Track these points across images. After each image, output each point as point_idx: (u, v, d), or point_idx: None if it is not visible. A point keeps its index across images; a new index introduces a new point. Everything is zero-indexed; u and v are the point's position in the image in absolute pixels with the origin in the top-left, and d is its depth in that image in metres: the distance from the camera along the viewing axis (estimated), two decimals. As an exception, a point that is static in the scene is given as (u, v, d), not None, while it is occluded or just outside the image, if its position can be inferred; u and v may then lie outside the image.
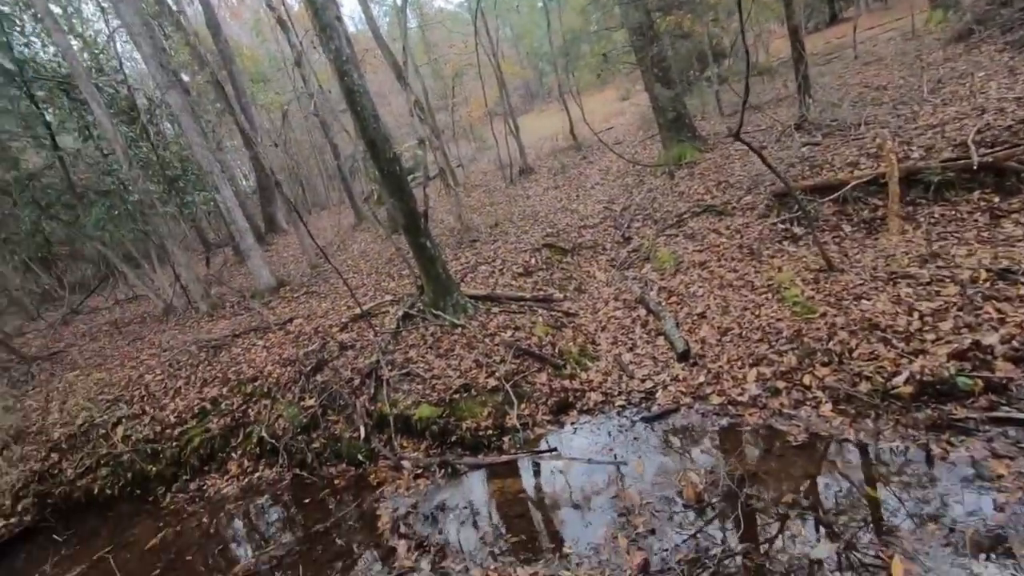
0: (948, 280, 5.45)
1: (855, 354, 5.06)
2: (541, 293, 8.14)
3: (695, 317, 6.73)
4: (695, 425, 5.15)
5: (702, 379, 5.65)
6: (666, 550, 3.82)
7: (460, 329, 7.15)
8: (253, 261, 11.75)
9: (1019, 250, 5.70)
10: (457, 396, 6.15)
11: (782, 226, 7.98)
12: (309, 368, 7.21)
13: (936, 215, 6.99)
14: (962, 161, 7.16)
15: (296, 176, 29.65)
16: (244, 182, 29.45)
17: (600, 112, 24.69)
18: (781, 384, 5.12)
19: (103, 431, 7.57)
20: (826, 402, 4.79)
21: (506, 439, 5.73)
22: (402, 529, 4.89)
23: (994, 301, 5.02)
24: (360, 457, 6.13)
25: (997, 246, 5.90)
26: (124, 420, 7.67)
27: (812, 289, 6.10)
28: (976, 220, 6.63)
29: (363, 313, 7.94)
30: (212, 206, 13.64)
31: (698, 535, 3.85)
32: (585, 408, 5.93)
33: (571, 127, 20.23)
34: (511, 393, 6.06)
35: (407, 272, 10.34)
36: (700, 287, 7.32)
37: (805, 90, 10.92)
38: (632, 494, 4.41)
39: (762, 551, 3.59)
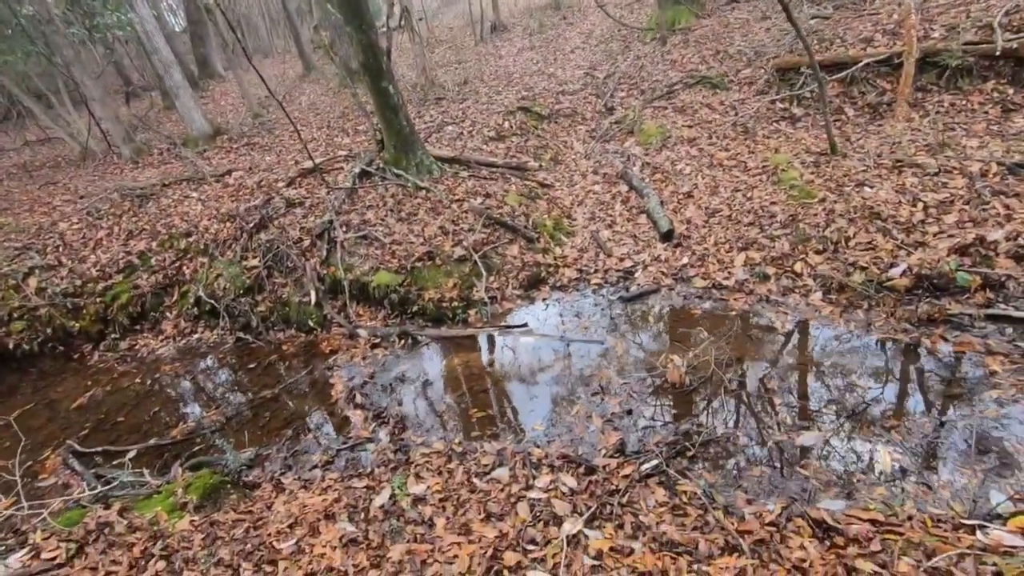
0: (956, 172, 5.09)
1: (852, 243, 4.76)
2: (514, 160, 7.38)
3: (681, 196, 6.24)
4: (677, 307, 4.86)
5: (685, 261, 5.29)
6: (643, 430, 3.62)
7: (424, 192, 6.42)
8: (183, 102, 10.21)
9: (1031, 145, 5.34)
10: (420, 264, 5.60)
11: (781, 105, 7.34)
12: (252, 225, 6.42)
13: (946, 104, 6.50)
14: (984, 45, 6.55)
15: (234, 16, 25.94)
16: (171, 18, 25.58)
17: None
18: (771, 270, 4.82)
19: (13, 281, 6.69)
20: (816, 291, 4.53)
21: (472, 312, 5.32)
22: (358, 399, 4.55)
23: (1003, 196, 4.72)
24: (311, 323, 5.64)
25: (1008, 140, 5.53)
26: (37, 271, 6.78)
27: (812, 173, 5.65)
28: (987, 112, 6.19)
29: (315, 167, 7.02)
30: (131, 32, 11.53)
31: (679, 419, 3.65)
32: (558, 284, 5.54)
33: (551, -18, 18.00)
34: (480, 264, 5.56)
35: (364, 128, 9.26)
36: (688, 165, 6.76)
37: (822, -48, 9.69)
38: (609, 374, 4.15)
39: (744, 437, 3.42)
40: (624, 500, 3.09)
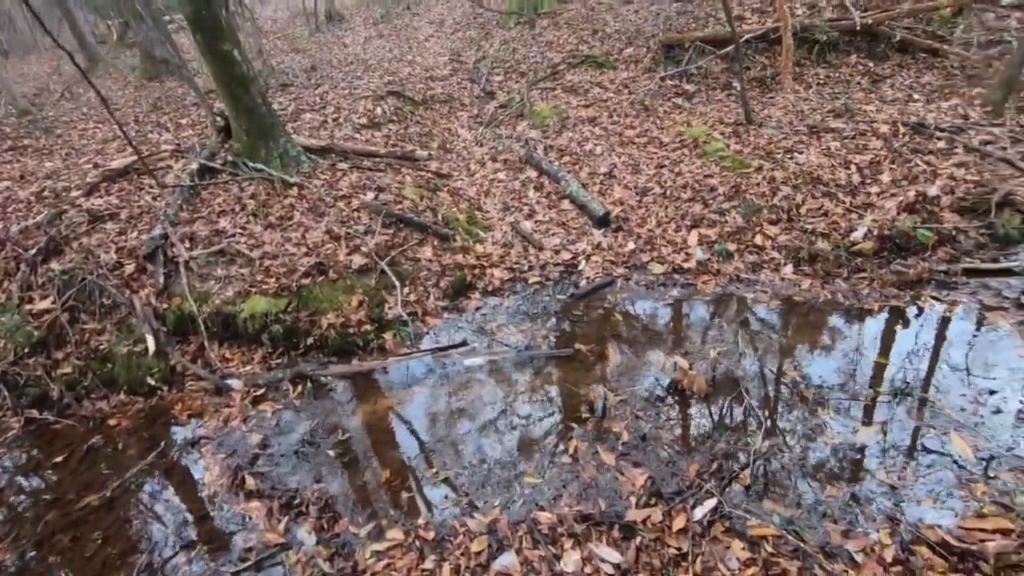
0: (870, 134, 5.11)
1: (803, 210, 4.47)
2: (399, 149, 6.19)
3: (602, 177, 5.61)
4: (641, 298, 4.15)
5: (632, 246, 4.63)
6: (672, 460, 2.80)
7: (296, 189, 4.98)
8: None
9: (913, 107, 5.61)
10: (308, 281, 4.21)
11: (671, 82, 7.12)
12: (35, 252, 4.41)
13: (822, 76, 6.74)
14: (844, 21, 6.92)
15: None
16: None
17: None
18: (732, 246, 4.34)
19: None
20: (786, 263, 4.13)
21: (389, 336, 4.09)
22: (250, 484, 3.10)
23: (920, 154, 4.78)
24: (152, 381, 3.94)
25: (890, 103, 5.77)
26: None
27: (736, 143, 5.37)
28: (859, 83, 6.50)
29: (138, 162, 5.14)
30: None
31: (709, 437, 2.90)
32: (490, 288, 4.54)
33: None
34: (390, 273, 4.34)
35: (193, 119, 7.32)
36: (597, 145, 6.17)
37: (671, -59, 9.92)
38: (600, 391, 3.26)
39: (794, 444, 2.77)
40: (698, 568, 2.23)
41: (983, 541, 2.15)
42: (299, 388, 3.76)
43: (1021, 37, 5.39)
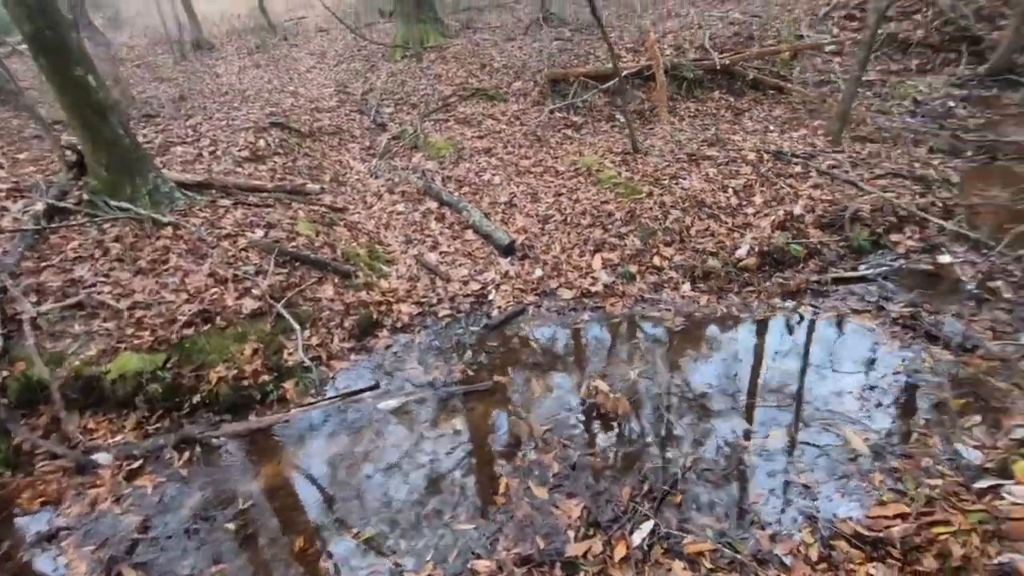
0: (740, 161, 5.64)
1: (693, 231, 4.79)
2: (288, 183, 5.82)
3: (503, 206, 5.65)
4: (554, 324, 4.17)
5: (540, 273, 4.67)
6: (604, 487, 2.78)
7: (171, 228, 4.46)
8: None
9: (771, 137, 6.30)
10: (191, 331, 3.74)
11: (559, 114, 7.43)
12: None
13: (692, 109, 7.38)
14: (706, 61, 7.67)
15: None
16: None
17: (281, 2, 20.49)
18: (634, 268, 4.52)
19: None
20: (684, 282, 4.38)
21: (290, 385, 3.73)
22: (129, 577, 2.62)
23: (783, 178, 5.35)
24: (-11, 466, 3.25)
25: (751, 134, 6.44)
26: None
27: (627, 171, 5.67)
28: (724, 115, 7.21)
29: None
30: None
31: (637, 458, 2.92)
32: (399, 325, 4.33)
33: (260, 5, 16.19)
34: (287, 316, 3.99)
35: (30, 155, 6.38)
36: (495, 174, 6.23)
37: (548, -16, 10.53)
38: (523, 424, 3.19)
39: (715, 455, 2.87)
40: (645, 597, 2.20)
41: (888, 528, 2.33)
42: (186, 455, 3.29)
43: (846, 78, 6.29)
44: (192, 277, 4.07)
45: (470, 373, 3.76)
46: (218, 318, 3.85)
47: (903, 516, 2.37)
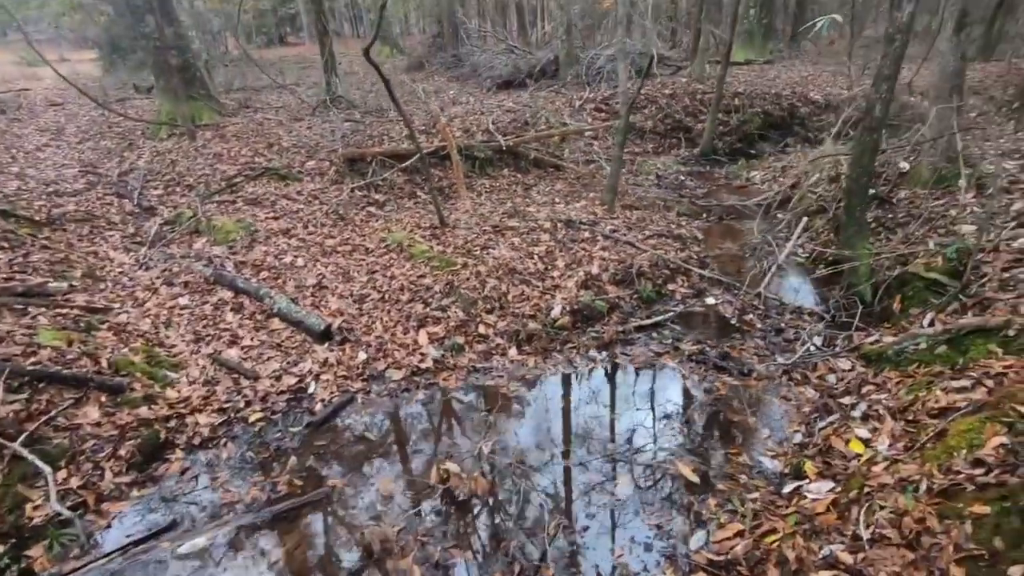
0: (539, 230, 6.15)
1: (510, 297, 4.99)
2: (18, 283, 4.60)
3: (312, 289, 5.24)
4: (388, 409, 3.88)
5: (364, 356, 4.36)
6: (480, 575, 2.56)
7: None
8: None
9: (559, 208, 7.05)
10: None
11: (360, 192, 7.33)
12: None
13: (487, 185, 7.95)
14: (493, 142, 8.39)
15: None
16: None
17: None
18: (461, 339, 4.50)
19: None
20: (511, 347, 4.49)
21: (39, 550, 2.78)
22: None
23: (576, 243, 5.96)
24: None
25: (542, 205, 7.14)
26: None
27: (439, 244, 5.75)
28: (516, 190, 7.90)
29: None
30: None
31: (503, 535, 2.77)
32: (197, 441, 3.59)
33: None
34: (29, 457, 3.01)
35: None
36: (297, 256, 5.79)
37: (332, 68, 10.59)
38: (381, 530, 2.81)
39: (576, 514, 2.88)
40: None
41: (732, 548, 2.56)
42: None
43: (609, 158, 7.44)
44: None
45: (298, 483, 3.24)
46: (-90, 479, 2.73)
47: (740, 534, 2.63)
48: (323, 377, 4.17)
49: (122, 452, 3.35)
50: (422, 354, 4.37)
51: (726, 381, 3.93)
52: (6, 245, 5.31)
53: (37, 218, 6.08)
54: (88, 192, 7.34)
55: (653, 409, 3.74)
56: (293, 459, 3.42)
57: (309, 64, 20.22)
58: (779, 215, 7.17)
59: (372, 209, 6.99)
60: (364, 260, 5.67)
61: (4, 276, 4.79)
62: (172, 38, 8.98)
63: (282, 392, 4.04)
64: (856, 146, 4.47)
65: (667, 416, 3.65)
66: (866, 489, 2.48)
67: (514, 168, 8.50)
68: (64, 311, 4.44)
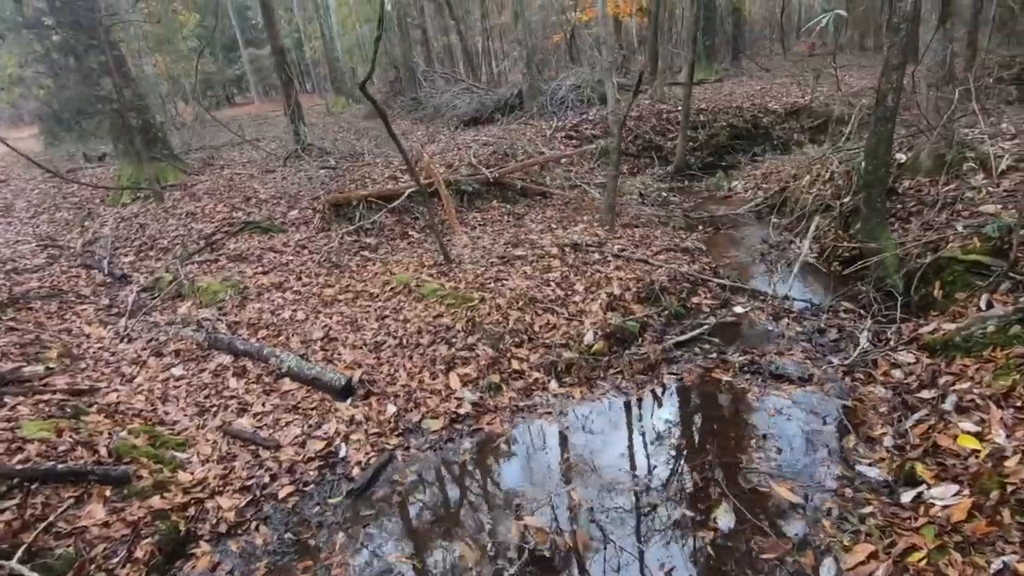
0: (547, 256, 5.93)
1: (537, 328, 4.71)
2: (-12, 372, 4.06)
3: (321, 342, 4.84)
4: (434, 464, 3.49)
5: (393, 408, 3.98)
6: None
7: None
8: None
9: (559, 233, 6.87)
10: None
11: (350, 238, 6.99)
12: None
13: (479, 218, 7.74)
14: (479, 175, 8.23)
15: None
16: None
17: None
18: (496, 378, 4.17)
19: None
20: (550, 379, 4.18)
21: None
22: None
23: (589, 265, 5.76)
24: None
25: (541, 233, 6.95)
26: None
27: (449, 281, 5.44)
28: (508, 220, 7.70)
29: None
30: None
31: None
32: (222, 528, 3.12)
33: None
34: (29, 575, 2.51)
35: None
36: (296, 310, 5.39)
37: (299, 118, 10.31)
38: (464, 606, 2.42)
39: (676, 558, 2.55)
40: None
41: (872, 573, 2.28)
42: None
43: (605, 178, 7.35)
44: None
45: (352, 565, 2.82)
46: None
47: (874, 556, 2.36)
48: (353, 437, 3.75)
49: (139, 554, 2.86)
50: (457, 399, 4.01)
51: (787, 390, 3.72)
52: (-33, 331, 4.74)
53: (-2, 299, 5.50)
54: (50, 266, 6.77)
55: (721, 428, 3.48)
56: (341, 536, 2.99)
57: (264, 120, 20.00)
58: (773, 219, 7.18)
59: (366, 253, 6.65)
60: (370, 306, 5.30)
61: (-30, 365, 4.23)
62: (132, 98, 8.55)
63: (310, 459, 3.60)
64: (871, 137, 4.46)
65: (740, 434, 3.39)
66: (1009, 487, 2.26)
67: (502, 199, 8.33)
68: (45, 397, 3.91)
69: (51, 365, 4.49)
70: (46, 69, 12.01)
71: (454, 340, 4.57)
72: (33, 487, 2.95)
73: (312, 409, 4.07)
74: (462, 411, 3.90)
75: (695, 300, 5.24)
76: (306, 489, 3.39)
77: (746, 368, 4.01)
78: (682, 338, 4.54)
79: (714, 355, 4.27)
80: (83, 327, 5.44)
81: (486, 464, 3.49)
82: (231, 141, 13.39)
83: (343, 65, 24.88)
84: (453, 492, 3.33)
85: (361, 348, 4.69)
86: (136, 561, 2.83)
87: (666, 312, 4.97)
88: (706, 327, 4.68)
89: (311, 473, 3.50)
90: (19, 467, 3.00)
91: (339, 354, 4.65)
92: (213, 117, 11.88)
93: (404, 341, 4.68)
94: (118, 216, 8.25)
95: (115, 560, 2.80)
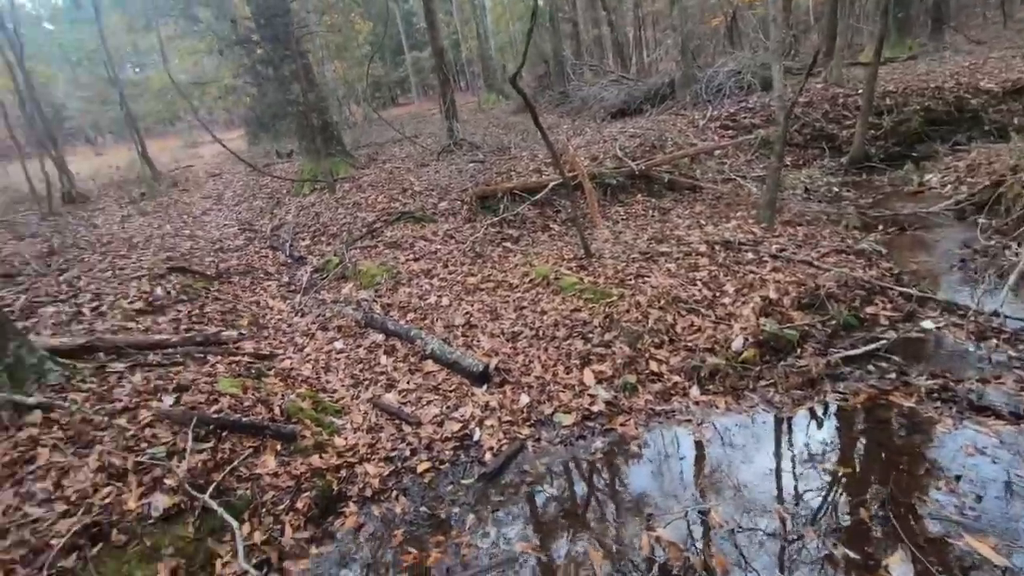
0: (694, 253, 5.57)
1: (679, 329, 4.44)
2: (198, 333, 4.84)
3: (461, 328, 5.05)
4: (564, 459, 3.46)
5: (527, 399, 4.01)
6: None
7: (39, 413, 3.31)
8: None
9: (708, 230, 6.40)
10: (74, 560, 2.58)
11: (493, 229, 7.20)
12: None
13: (622, 213, 7.51)
14: (624, 168, 7.98)
15: None
16: None
17: (166, 157, 19.91)
18: (632, 378, 4.01)
19: None
20: (691, 385, 3.91)
21: (228, 613, 2.63)
22: None
23: (741, 265, 5.30)
24: None
25: (688, 230, 6.53)
26: None
27: (588, 275, 5.36)
28: (652, 215, 7.37)
29: None
30: None
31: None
32: (368, 493, 3.38)
33: (142, 155, 15.51)
34: (218, 509, 2.94)
35: None
36: (441, 296, 5.68)
37: (453, 115, 10.89)
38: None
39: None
40: None
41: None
42: None
43: (765, 171, 6.71)
44: (74, 475, 2.94)
45: (479, 545, 2.89)
46: (115, 531, 2.72)
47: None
48: (487, 423, 3.85)
49: (300, 505, 3.21)
50: (591, 396, 3.92)
51: (992, 425, 3.07)
52: (185, 298, 5.71)
53: (208, 273, 6.56)
54: (247, 247, 7.91)
55: (896, 461, 2.97)
56: (472, 517, 3.08)
57: (422, 119, 21.47)
58: (981, 220, 5.98)
59: (508, 244, 6.81)
60: (509, 296, 5.41)
61: (186, 327, 5.09)
62: (315, 101, 9.69)
63: (447, 439, 3.77)
64: None
65: (922, 471, 2.87)
66: None
67: (647, 193, 8.01)
68: (237, 359, 4.57)
69: (243, 331, 5.24)
70: (252, 79, 14.12)
71: (590, 335, 4.48)
72: (223, 434, 3.45)
73: (451, 391, 4.26)
74: (595, 408, 3.81)
75: (870, 310, 4.55)
76: (441, 467, 3.55)
77: (936, 394, 3.38)
78: (852, 353, 3.97)
79: (892, 375, 3.67)
80: (268, 300, 6.28)
81: (616, 466, 3.36)
82: (392, 138, 14.59)
83: (495, 63, 25.76)
84: (581, 490, 3.26)
85: (499, 337, 4.80)
86: (297, 511, 3.18)
87: (833, 322, 4.37)
88: (883, 342, 4.04)
89: (447, 452, 3.66)
90: (215, 416, 3.53)
91: (478, 341, 4.81)
92: (379, 116, 13.00)
93: (540, 333, 4.70)
94: (299, 205, 9.41)
95: (280, 507, 3.18)
